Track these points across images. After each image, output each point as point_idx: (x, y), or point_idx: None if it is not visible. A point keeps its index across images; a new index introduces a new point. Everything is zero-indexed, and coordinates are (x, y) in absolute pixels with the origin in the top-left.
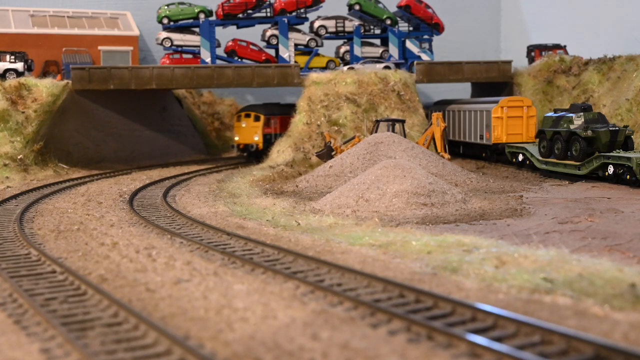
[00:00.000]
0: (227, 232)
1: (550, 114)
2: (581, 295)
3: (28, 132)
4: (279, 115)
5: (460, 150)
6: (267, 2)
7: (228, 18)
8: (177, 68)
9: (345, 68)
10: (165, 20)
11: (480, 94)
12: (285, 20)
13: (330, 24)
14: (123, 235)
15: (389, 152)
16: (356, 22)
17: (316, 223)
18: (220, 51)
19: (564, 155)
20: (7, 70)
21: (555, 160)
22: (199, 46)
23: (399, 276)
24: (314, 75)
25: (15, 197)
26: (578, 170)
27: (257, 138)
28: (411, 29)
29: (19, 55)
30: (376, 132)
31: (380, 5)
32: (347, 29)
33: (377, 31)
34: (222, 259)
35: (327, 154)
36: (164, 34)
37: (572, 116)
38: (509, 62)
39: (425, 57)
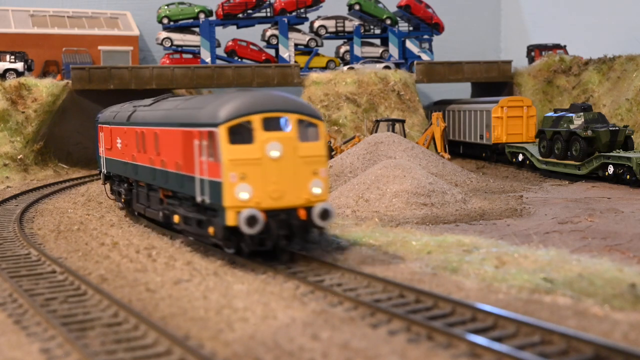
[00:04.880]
0: None
1: (550, 114)
2: (581, 295)
3: (28, 132)
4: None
5: (460, 150)
6: (267, 2)
7: (228, 18)
8: (177, 68)
9: (345, 68)
10: (165, 20)
11: (480, 94)
12: (285, 20)
13: (330, 24)
14: (123, 235)
15: (389, 152)
16: (356, 22)
17: None
18: (220, 51)
19: (564, 155)
20: (7, 70)
21: (555, 160)
22: (199, 46)
23: (399, 276)
24: (314, 75)
25: (15, 197)
26: (578, 170)
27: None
28: (411, 28)
29: (19, 55)
30: (376, 132)
31: (380, 5)
32: (347, 29)
33: (377, 31)
34: (222, 259)
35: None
36: (164, 34)
37: (572, 116)
38: (509, 62)
39: (425, 57)
